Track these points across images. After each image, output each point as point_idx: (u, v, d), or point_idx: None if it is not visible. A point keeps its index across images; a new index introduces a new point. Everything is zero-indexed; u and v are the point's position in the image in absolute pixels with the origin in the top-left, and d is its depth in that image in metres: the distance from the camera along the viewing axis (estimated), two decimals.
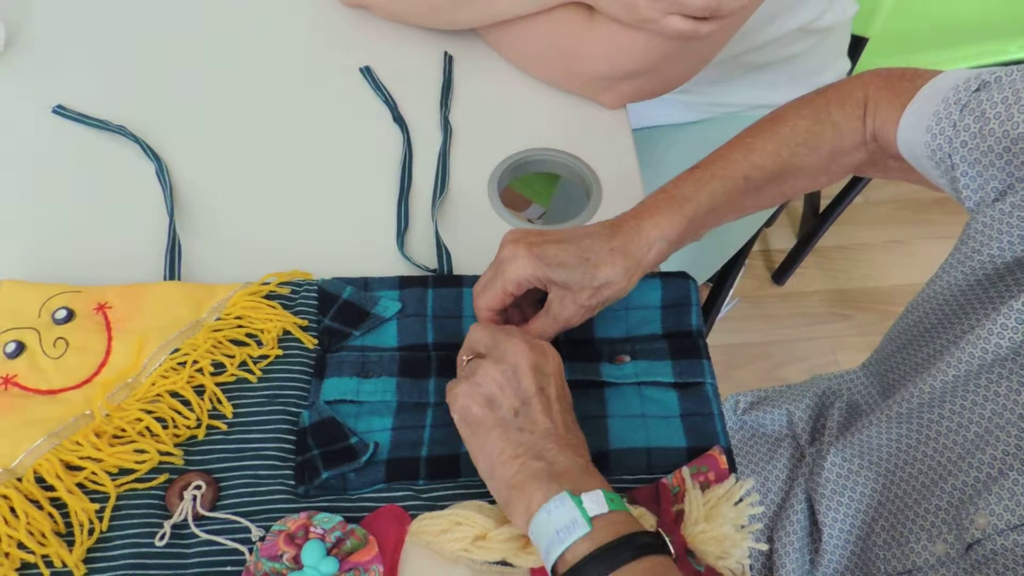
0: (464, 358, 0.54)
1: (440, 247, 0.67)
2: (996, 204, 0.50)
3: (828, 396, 0.74)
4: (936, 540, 0.54)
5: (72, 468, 0.53)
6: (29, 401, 0.56)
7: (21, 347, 0.58)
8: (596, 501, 0.45)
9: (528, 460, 0.47)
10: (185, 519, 0.52)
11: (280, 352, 0.59)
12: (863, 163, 0.60)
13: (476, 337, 0.53)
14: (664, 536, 0.46)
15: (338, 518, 0.51)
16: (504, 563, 0.51)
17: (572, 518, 0.44)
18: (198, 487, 0.53)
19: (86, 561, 0.50)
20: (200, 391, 0.57)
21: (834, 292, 1.63)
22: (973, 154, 0.51)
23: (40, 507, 0.52)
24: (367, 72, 0.79)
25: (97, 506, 0.52)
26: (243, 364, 0.59)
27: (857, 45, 1.11)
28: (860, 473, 0.63)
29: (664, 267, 0.66)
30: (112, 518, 0.52)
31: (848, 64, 1.00)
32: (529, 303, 0.60)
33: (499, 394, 0.49)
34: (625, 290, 0.56)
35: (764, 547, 0.51)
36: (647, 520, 0.52)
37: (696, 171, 0.59)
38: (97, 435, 0.54)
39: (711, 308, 1.42)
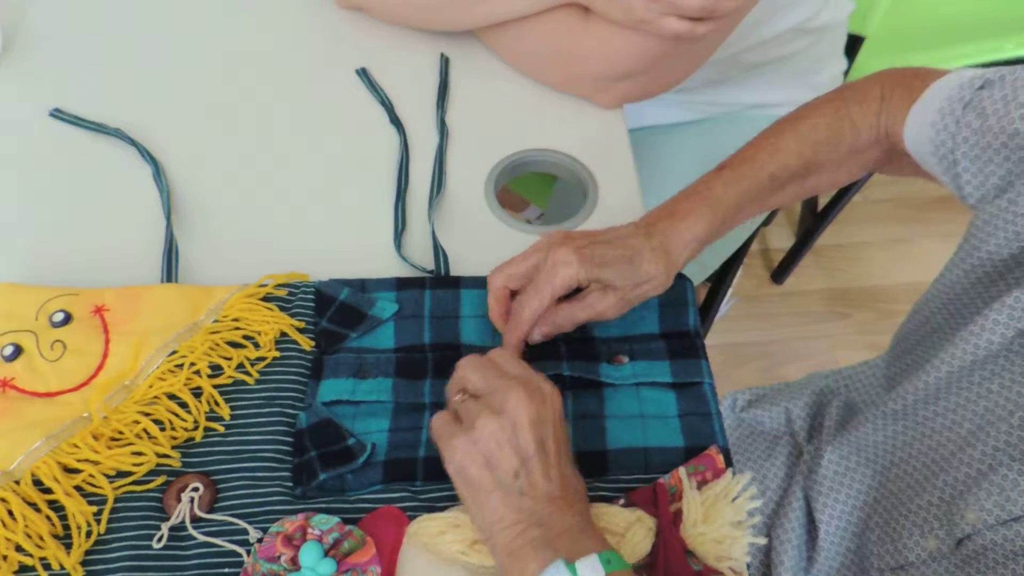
0: (456, 397, 0.51)
1: (437, 248, 0.67)
2: (996, 200, 0.51)
3: (826, 394, 0.74)
4: (928, 536, 0.55)
5: (70, 471, 0.53)
6: (27, 404, 0.56)
7: (19, 350, 0.58)
8: (592, 568, 0.44)
9: (528, 527, 0.46)
10: (183, 521, 0.52)
11: (277, 354, 0.59)
12: (879, 160, 0.61)
13: (469, 378, 0.51)
14: None
15: (336, 519, 0.51)
16: None
17: None
18: (196, 489, 0.53)
19: (84, 563, 0.50)
20: (197, 393, 0.57)
21: (833, 291, 1.63)
22: (974, 150, 0.51)
23: (38, 510, 0.52)
24: (363, 74, 0.80)
25: (95, 508, 0.52)
26: (240, 366, 0.59)
27: (854, 44, 1.11)
28: (857, 470, 0.63)
29: None
30: (110, 520, 0.52)
31: (845, 63, 1.00)
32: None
33: (498, 453, 0.47)
34: (664, 286, 0.58)
35: (763, 541, 0.51)
36: (645, 522, 0.52)
37: (724, 172, 0.60)
38: (95, 437, 0.54)
39: (710, 307, 1.42)
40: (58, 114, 0.74)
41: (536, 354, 0.60)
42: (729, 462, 0.55)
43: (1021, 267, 0.51)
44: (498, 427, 0.47)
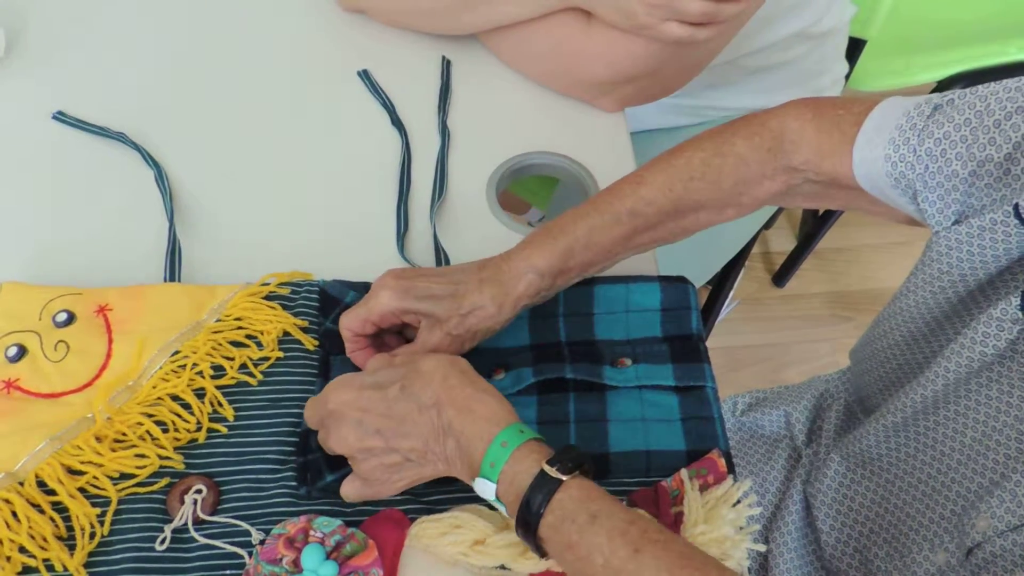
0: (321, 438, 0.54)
1: (439, 250, 0.67)
2: (957, 226, 0.50)
3: (826, 398, 0.74)
4: (937, 550, 0.54)
5: (73, 472, 0.54)
6: (31, 405, 0.56)
7: (23, 350, 0.58)
8: (483, 490, 0.48)
9: (445, 466, 0.50)
10: (185, 523, 0.52)
11: (281, 354, 0.60)
12: (779, 194, 0.59)
13: (307, 415, 0.54)
14: (564, 455, 0.46)
15: (338, 522, 0.51)
16: (503, 567, 0.51)
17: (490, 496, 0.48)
18: (199, 491, 0.53)
19: (87, 565, 0.51)
20: (201, 394, 0.57)
21: (835, 294, 1.63)
22: (936, 178, 0.50)
23: (42, 511, 0.52)
24: (365, 76, 0.80)
25: (98, 510, 0.52)
26: (243, 367, 0.59)
27: (856, 47, 1.11)
28: (861, 483, 0.63)
29: (663, 270, 0.67)
30: (113, 522, 0.52)
31: (846, 67, 1.00)
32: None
33: (372, 442, 0.50)
34: (494, 319, 0.56)
35: (762, 548, 0.51)
36: None
37: (583, 205, 0.59)
38: (98, 439, 0.55)
39: (711, 310, 1.42)
40: (61, 117, 0.75)
41: (540, 357, 0.60)
42: (731, 466, 0.55)
43: (1003, 282, 0.51)
44: (348, 429, 0.50)
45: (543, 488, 0.45)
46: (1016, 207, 0.46)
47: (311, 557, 0.49)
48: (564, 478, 0.45)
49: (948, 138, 0.49)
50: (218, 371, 0.58)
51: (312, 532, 0.51)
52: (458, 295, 0.55)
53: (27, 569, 0.50)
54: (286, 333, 0.60)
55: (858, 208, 0.59)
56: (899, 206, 0.54)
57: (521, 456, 0.46)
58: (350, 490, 0.52)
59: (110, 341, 0.59)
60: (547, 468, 0.45)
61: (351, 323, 0.57)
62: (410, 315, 0.56)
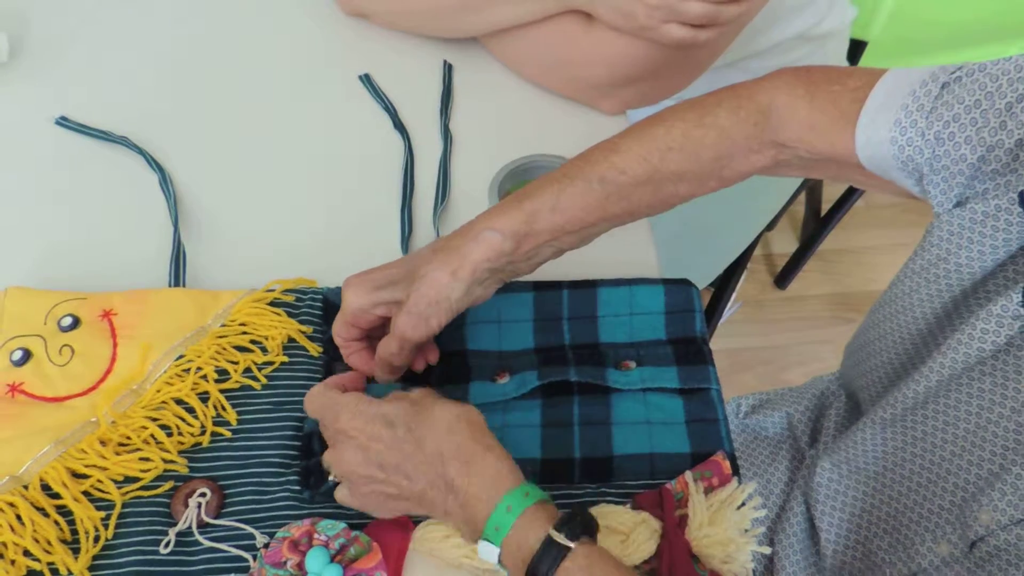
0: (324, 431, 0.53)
1: None
2: (958, 211, 0.49)
3: (827, 397, 0.74)
4: (940, 541, 0.54)
5: (78, 476, 0.54)
6: (35, 409, 0.56)
7: (27, 355, 0.58)
8: (487, 553, 0.46)
9: (441, 517, 0.49)
10: (190, 526, 0.52)
11: (285, 359, 0.60)
12: (766, 167, 0.56)
13: (310, 409, 0.53)
14: (574, 518, 0.46)
15: (342, 525, 0.51)
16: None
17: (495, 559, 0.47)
18: (203, 494, 0.53)
19: (91, 569, 0.51)
20: (205, 398, 0.57)
21: (837, 295, 1.63)
22: (942, 161, 0.48)
23: (46, 515, 0.52)
24: (367, 80, 0.80)
25: (103, 514, 0.52)
26: (247, 371, 0.59)
27: (856, 49, 1.12)
28: (850, 478, 0.63)
29: (665, 273, 0.67)
30: (117, 526, 0.52)
31: None
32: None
33: (372, 472, 0.49)
34: (449, 287, 0.53)
35: (767, 550, 0.51)
36: (651, 524, 0.52)
37: (553, 172, 0.57)
38: (102, 443, 0.55)
39: (713, 312, 1.42)
40: (64, 122, 0.75)
41: (544, 360, 0.60)
42: (735, 468, 0.55)
43: (999, 279, 0.50)
44: (352, 451, 0.50)
45: (550, 554, 0.44)
46: (1022, 195, 0.45)
47: (315, 560, 0.49)
48: (572, 544, 0.44)
49: (957, 120, 0.47)
50: (222, 375, 0.58)
51: (316, 535, 0.51)
52: (412, 271, 0.54)
53: (31, 573, 0.50)
54: (290, 339, 0.61)
55: (849, 180, 0.57)
56: (903, 185, 0.52)
57: (527, 521, 0.45)
58: (344, 497, 0.52)
59: (115, 345, 0.59)
60: (554, 534, 0.44)
61: (338, 330, 0.57)
62: (380, 307, 0.56)
